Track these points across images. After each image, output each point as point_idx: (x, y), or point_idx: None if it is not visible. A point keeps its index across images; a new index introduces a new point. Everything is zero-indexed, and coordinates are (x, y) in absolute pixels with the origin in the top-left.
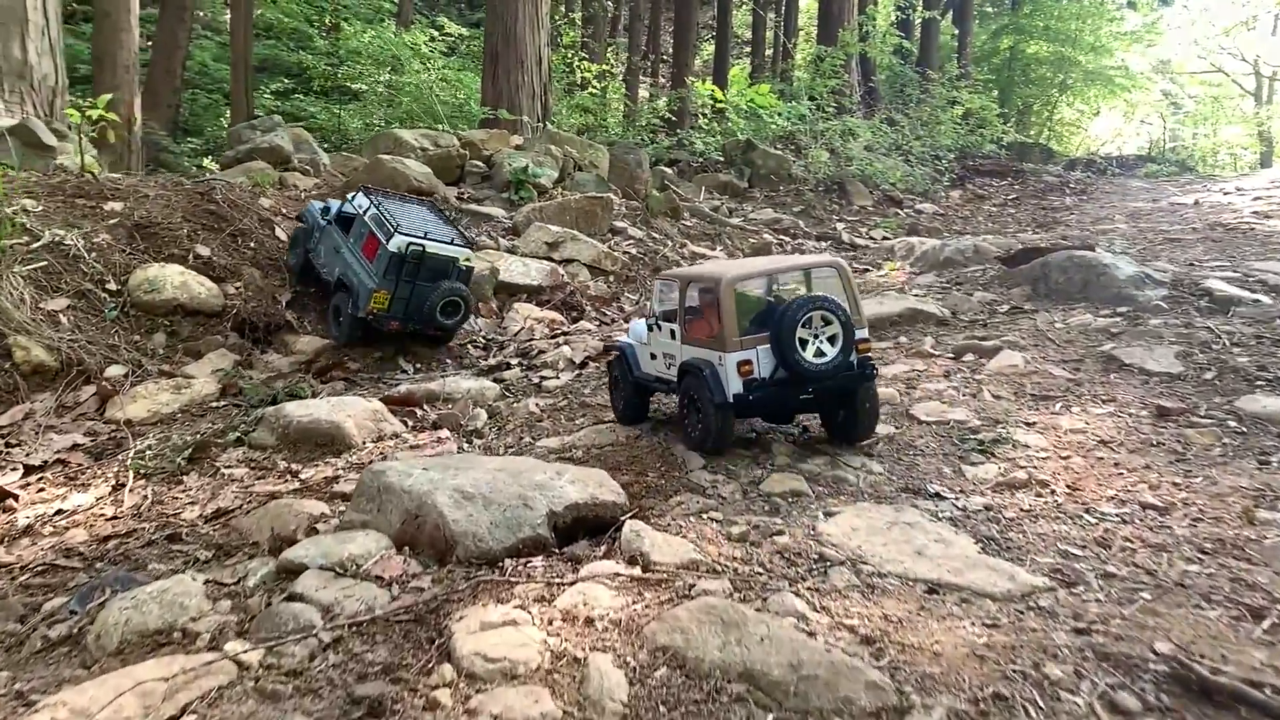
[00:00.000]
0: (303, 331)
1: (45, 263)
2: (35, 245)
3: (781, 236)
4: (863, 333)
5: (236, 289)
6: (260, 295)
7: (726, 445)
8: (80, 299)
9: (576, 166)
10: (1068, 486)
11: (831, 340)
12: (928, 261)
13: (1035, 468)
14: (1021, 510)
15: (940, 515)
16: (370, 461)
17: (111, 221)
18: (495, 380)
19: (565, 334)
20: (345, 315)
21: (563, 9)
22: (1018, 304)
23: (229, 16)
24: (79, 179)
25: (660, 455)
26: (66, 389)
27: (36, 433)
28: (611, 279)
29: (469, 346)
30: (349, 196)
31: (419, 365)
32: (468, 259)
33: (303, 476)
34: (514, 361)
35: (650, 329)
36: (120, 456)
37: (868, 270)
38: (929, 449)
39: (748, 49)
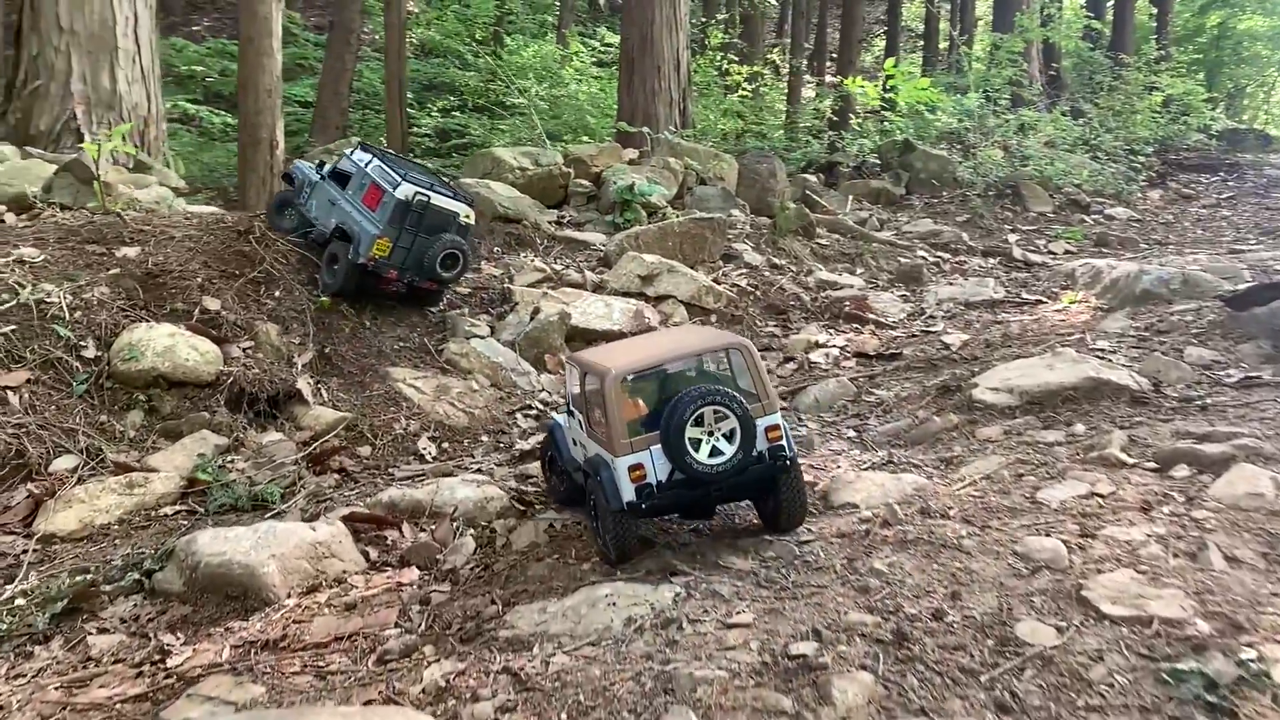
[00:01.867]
0: (318, 401)
1: (13, 327)
2: (8, 305)
3: (939, 253)
4: (774, 419)
5: (244, 350)
6: (272, 357)
7: (633, 555)
8: (47, 370)
9: (700, 180)
10: None
11: (729, 436)
12: (1119, 295)
13: None
14: None
15: None
16: (275, 637)
17: (114, 271)
18: (519, 476)
19: None
20: (343, 262)
21: (722, 8)
22: (1252, 371)
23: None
24: (105, 219)
25: (652, 699)
26: (0, 490)
27: None
28: (713, 319)
29: (518, 415)
30: (345, 152)
31: (445, 448)
32: (467, 215)
33: (170, 663)
34: None
35: (569, 413)
36: (2, 595)
37: (1040, 302)
38: (1113, 694)
39: (921, 43)
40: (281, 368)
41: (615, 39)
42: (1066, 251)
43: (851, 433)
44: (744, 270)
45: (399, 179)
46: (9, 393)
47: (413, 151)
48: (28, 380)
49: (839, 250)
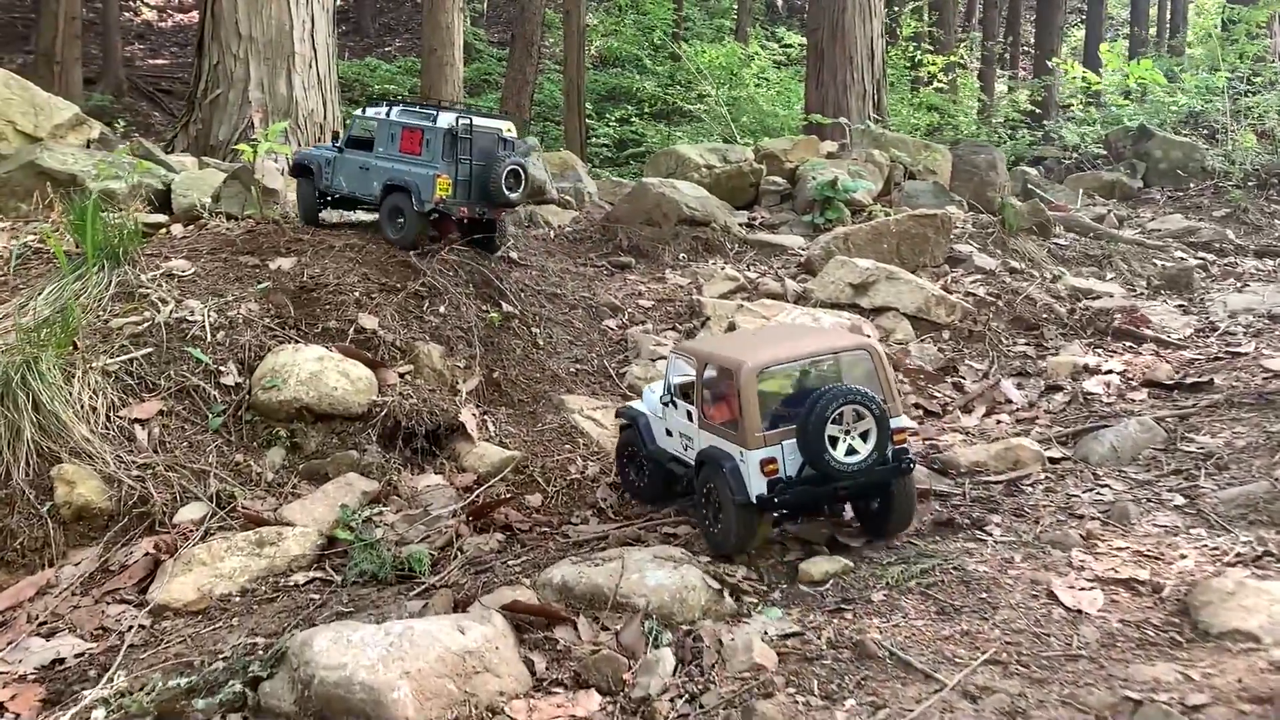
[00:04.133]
0: (483, 436)
1: (149, 350)
2: (145, 325)
3: (1202, 254)
4: (900, 421)
5: (402, 375)
6: (434, 383)
7: (750, 548)
8: (181, 399)
9: (908, 174)
10: None
11: (864, 436)
12: None
13: None
14: None
15: None
16: None
17: (265, 285)
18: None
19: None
20: (408, 213)
21: None
22: None
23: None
24: (265, 228)
25: None
26: (119, 543)
27: (29, 630)
28: (946, 335)
29: None
30: (355, 115)
31: (629, 497)
32: (509, 129)
33: None
34: None
35: (665, 404)
36: (82, 701)
37: None
38: None
39: (1123, 29)
40: (443, 396)
41: (794, 39)
42: None
43: (1179, 499)
44: (977, 275)
45: (434, 111)
46: (138, 426)
47: (591, 162)
48: (159, 412)
49: (1081, 251)
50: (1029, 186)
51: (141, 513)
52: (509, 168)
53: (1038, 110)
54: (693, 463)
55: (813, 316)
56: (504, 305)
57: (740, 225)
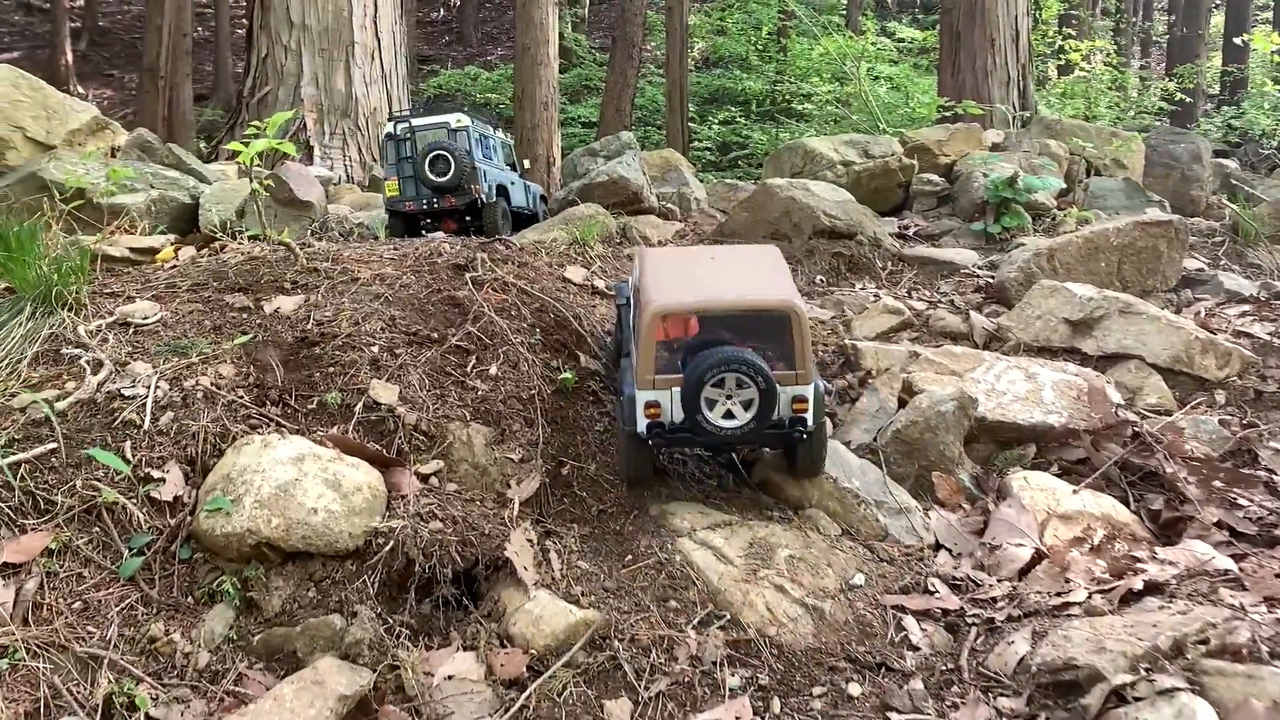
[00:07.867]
0: (544, 577)
1: (51, 447)
2: (42, 413)
3: None
4: (803, 390)
5: (427, 479)
6: (474, 489)
7: (646, 478)
8: (86, 527)
9: (1090, 169)
10: None
11: (746, 405)
12: None
13: None
14: None
15: None
16: None
17: (247, 338)
18: None
19: (1149, 584)
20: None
21: None
22: None
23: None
24: (274, 252)
25: None
26: None
27: None
28: (1222, 399)
29: (905, 616)
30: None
31: (773, 708)
32: (458, 120)
33: None
34: None
35: (621, 306)
36: None
37: None
38: None
39: (1266, 13)
40: (485, 509)
41: (907, 33)
42: None
43: None
44: (1241, 308)
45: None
46: (13, 576)
47: (694, 166)
48: (47, 550)
49: None
50: (1231, 182)
51: None
52: (429, 155)
53: (1188, 99)
54: None
55: (1026, 372)
56: (582, 358)
57: (890, 235)
